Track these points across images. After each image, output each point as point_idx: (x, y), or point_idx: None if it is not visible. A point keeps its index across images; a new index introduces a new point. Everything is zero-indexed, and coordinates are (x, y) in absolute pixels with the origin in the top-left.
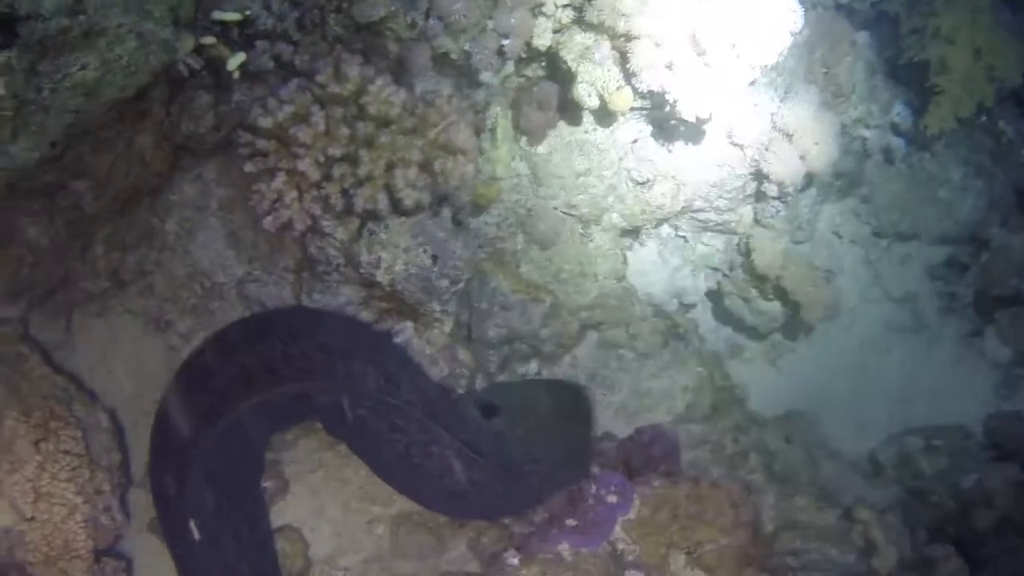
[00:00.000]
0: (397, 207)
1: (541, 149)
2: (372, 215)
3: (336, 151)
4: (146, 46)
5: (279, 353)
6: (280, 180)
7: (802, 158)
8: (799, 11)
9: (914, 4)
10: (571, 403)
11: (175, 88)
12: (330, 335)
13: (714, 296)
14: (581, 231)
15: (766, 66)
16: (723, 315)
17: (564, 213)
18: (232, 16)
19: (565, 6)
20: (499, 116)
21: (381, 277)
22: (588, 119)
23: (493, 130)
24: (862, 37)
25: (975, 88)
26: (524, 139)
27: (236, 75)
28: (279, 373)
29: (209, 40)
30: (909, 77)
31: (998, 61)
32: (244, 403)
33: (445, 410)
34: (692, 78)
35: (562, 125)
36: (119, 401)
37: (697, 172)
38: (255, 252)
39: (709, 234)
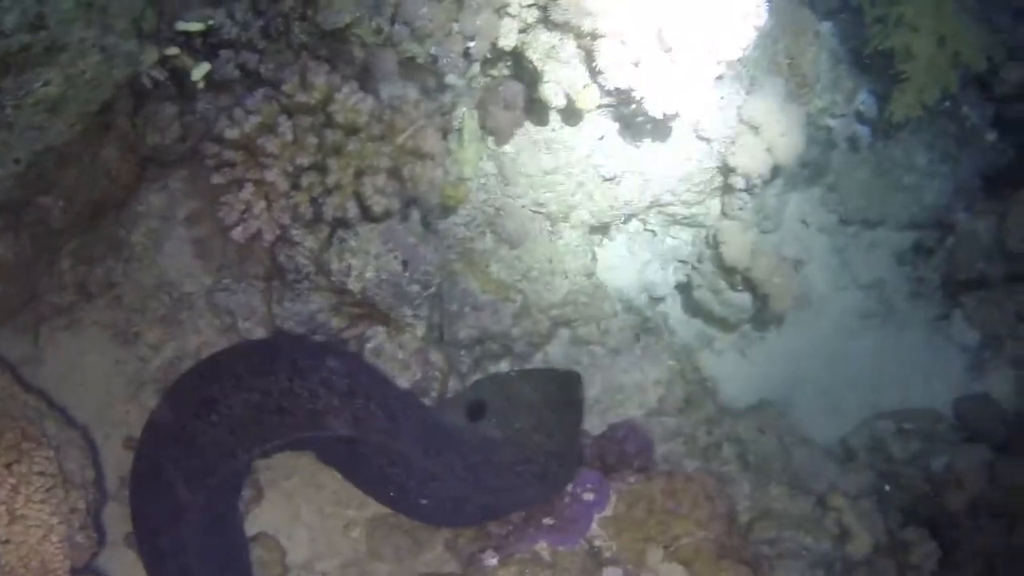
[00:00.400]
0: (367, 214)
1: (508, 148)
2: (342, 223)
3: (304, 160)
4: (109, 60)
5: (287, 390)
6: (248, 191)
7: (768, 150)
8: (763, 5)
9: None
10: (561, 392)
11: (139, 100)
12: (333, 372)
13: (683, 289)
14: (550, 229)
15: (731, 61)
16: (693, 308)
17: (532, 211)
18: (195, 26)
19: (530, 6)
20: (466, 117)
21: (352, 285)
22: (555, 118)
23: (460, 131)
24: (825, 27)
25: (940, 75)
26: (491, 139)
27: (201, 85)
28: (291, 414)
29: (173, 51)
30: (873, 66)
31: (962, 47)
32: (257, 447)
33: (445, 443)
34: (658, 75)
35: (529, 124)
36: (90, 415)
37: (664, 167)
38: (223, 261)
39: (677, 227)
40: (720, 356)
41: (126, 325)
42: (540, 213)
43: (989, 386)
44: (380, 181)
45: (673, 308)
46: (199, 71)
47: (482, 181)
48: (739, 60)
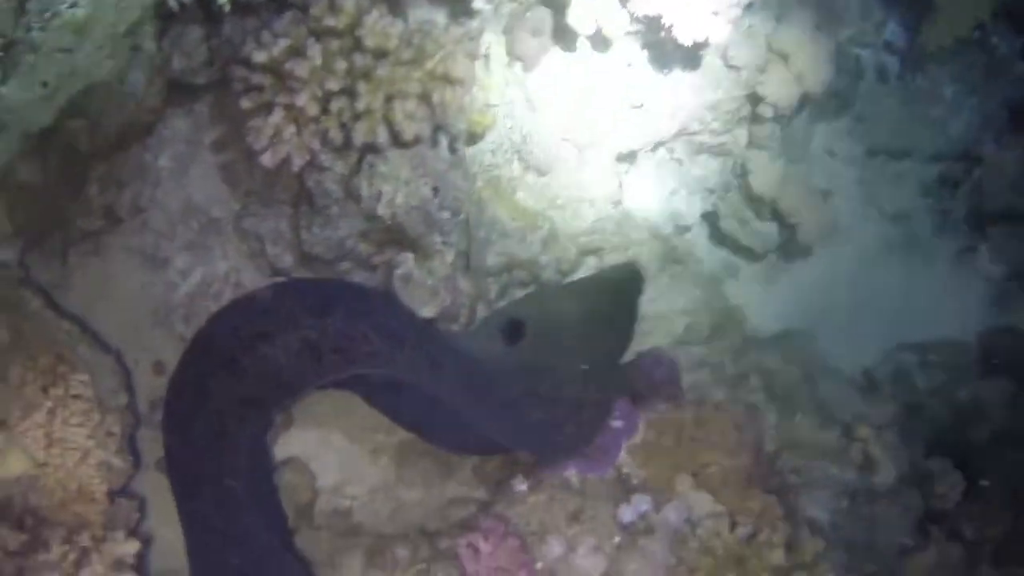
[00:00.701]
0: (396, 140)
1: (536, 75)
2: (371, 148)
3: (333, 85)
4: None
5: (344, 332)
6: (278, 115)
7: (797, 79)
8: None
9: None
10: (613, 305)
11: (166, 23)
12: (386, 317)
13: (710, 218)
14: (577, 156)
15: None
16: (719, 237)
17: (560, 139)
18: None
19: None
20: (492, 43)
21: (382, 211)
22: (583, 45)
23: (487, 57)
24: None
25: (972, 6)
26: (518, 65)
27: (227, 7)
28: (348, 354)
29: None
30: None
31: None
32: (314, 382)
33: (483, 384)
34: (687, 2)
35: (556, 51)
36: (119, 340)
37: (692, 95)
38: (251, 186)
39: (705, 156)
40: (746, 285)
41: (154, 250)
42: (567, 140)
43: (1014, 319)
44: (410, 106)
45: (699, 237)
46: None
47: (509, 108)
48: None
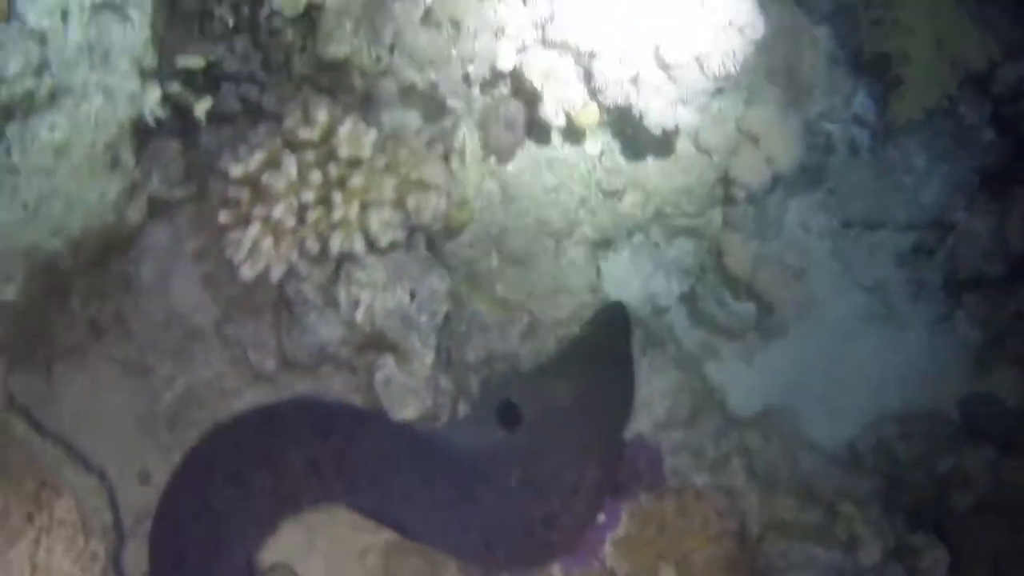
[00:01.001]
0: (373, 247)
1: (511, 167)
2: (348, 256)
3: (310, 196)
4: (113, 101)
5: (347, 454)
6: (255, 228)
7: (768, 161)
8: (759, 18)
9: None
10: (609, 357)
11: (143, 138)
12: (384, 438)
13: (688, 299)
14: (554, 246)
15: (730, 76)
16: (697, 317)
17: (537, 229)
18: (196, 62)
19: (527, 26)
20: (467, 137)
21: (361, 318)
22: (556, 136)
23: (462, 152)
24: (822, 31)
25: (939, 78)
26: (493, 158)
27: (203, 120)
28: (350, 477)
29: (175, 88)
30: (870, 68)
31: (960, 48)
32: (314, 502)
33: (479, 490)
34: (657, 92)
35: (530, 143)
36: (104, 450)
37: (666, 180)
38: (232, 293)
39: (680, 238)
40: (726, 364)
41: (138, 359)
42: (544, 231)
43: (993, 385)
44: (385, 214)
45: (678, 318)
46: (201, 107)
47: (486, 201)
48: (737, 73)
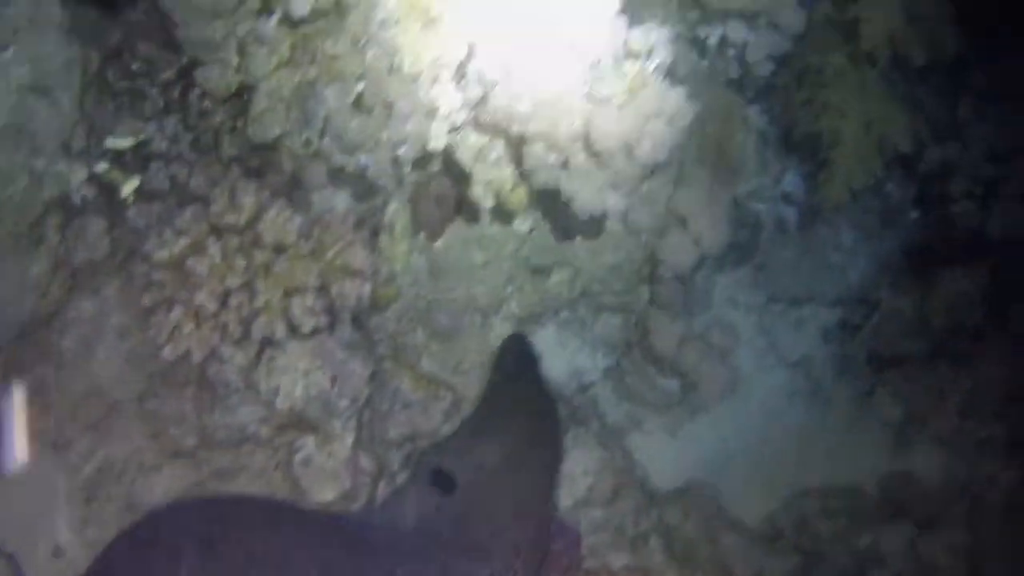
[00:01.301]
0: (295, 332)
1: (439, 244)
2: (270, 341)
3: (234, 281)
4: (39, 182)
5: (287, 552)
6: (178, 312)
7: (696, 242)
8: (689, 107)
9: (804, 76)
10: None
11: (69, 215)
12: (320, 535)
13: (613, 374)
14: (481, 322)
15: (659, 162)
16: (622, 392)
17: (463, 305)
18: (125, 142)
19: (460, 108)
20: (396, 213)
21: (281, 403)
22: (485, 215)
23: (391, 228)
24: (753, 110)
25: (867, 160)
26: (422, 235)
27: (131, 199)
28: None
29: (102, 167)
30: (800, 148)
31: (889, 130)
32: None
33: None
34: (585, 178)
35: (459, 220)
36: (20, 526)
37: (594, 258)
38: (154, 368)
39: (607, 314)
40: (649, 437)
41: (56, 433)
42: (471, 307)
43: (913, 463)
44: (309, 300)
45: (603, 391)
46: (129, 187)
47: (414, 276)
48: (666, 158)
